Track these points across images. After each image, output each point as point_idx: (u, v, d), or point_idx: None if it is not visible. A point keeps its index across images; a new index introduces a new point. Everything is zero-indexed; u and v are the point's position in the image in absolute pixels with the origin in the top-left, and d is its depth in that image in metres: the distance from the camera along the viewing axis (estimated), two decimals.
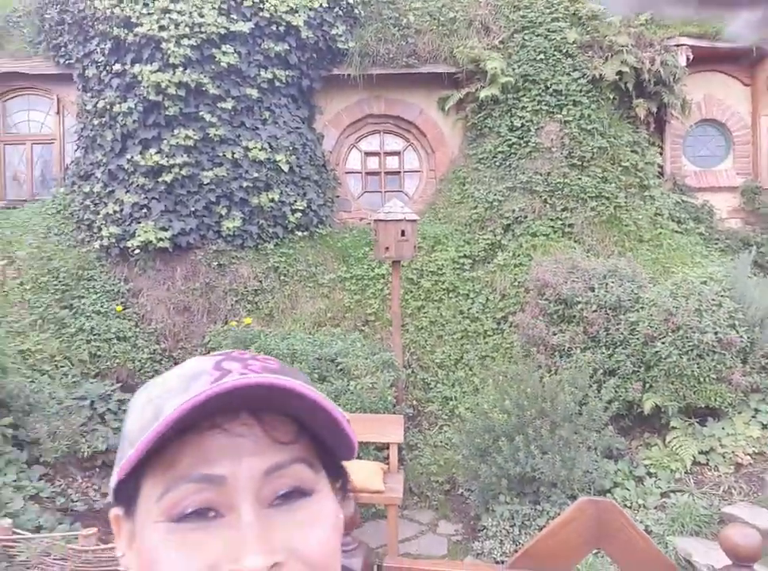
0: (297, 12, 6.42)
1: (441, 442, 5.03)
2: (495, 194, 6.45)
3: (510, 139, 6.59)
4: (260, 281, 5.92)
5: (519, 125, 6.61)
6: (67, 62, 7.13)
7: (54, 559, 2.95)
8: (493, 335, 5.71)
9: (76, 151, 6.88)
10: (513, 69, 6.68)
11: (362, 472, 3.94)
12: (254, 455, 0.48)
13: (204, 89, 6.10)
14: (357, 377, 4.55)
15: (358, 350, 4.87)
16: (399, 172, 7.38)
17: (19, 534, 3.11)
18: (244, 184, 6.13)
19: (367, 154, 7.37)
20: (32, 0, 7.71)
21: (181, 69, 6.03)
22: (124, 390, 4.82)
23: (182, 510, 0.47)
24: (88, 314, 5.44)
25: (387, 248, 5.11)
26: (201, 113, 6.08)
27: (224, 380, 0.47)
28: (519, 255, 6.08)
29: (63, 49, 7.14)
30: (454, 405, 5.22)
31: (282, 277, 6.01)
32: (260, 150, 6.19)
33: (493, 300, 5.92)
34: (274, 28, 6.40)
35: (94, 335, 5.29)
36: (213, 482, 0.47)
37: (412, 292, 5.92)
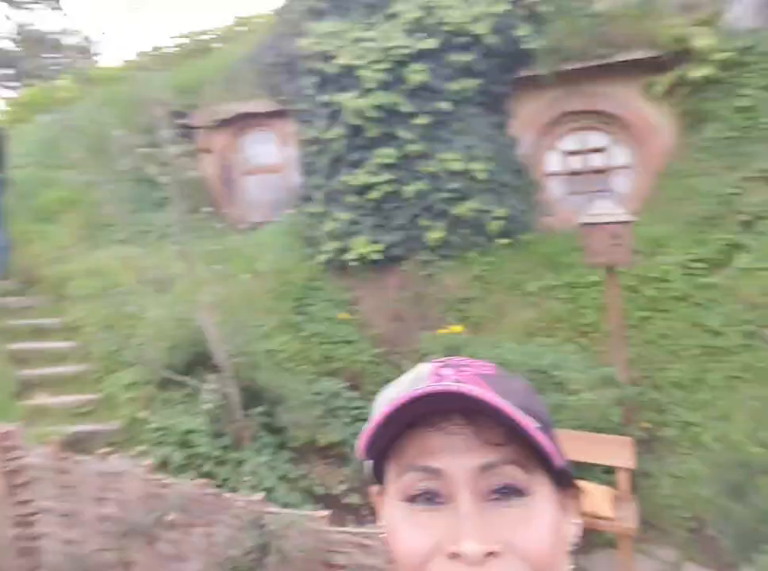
0: (479, 20, 6.46)
1: (683, 473, 4.45)
2: (727, 187, 5.64)
3: (737, 123, 5.87)
4: (466, 290, 6.04)
5: (746, 106, 5.88)
6: (283, 99, 8.00)
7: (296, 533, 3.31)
8: (740, 353, 4.84)
9: (298, 176, 7.69)
10: (729, 44, 5.97)
11: (589, 495, 3.75)
12: (466, 453, 0.55)
13: (398, 108, 6.42)
14: (575, 392, 4.37)
15: (574, 362, 4.67)
16: (605, 170, 7.00)
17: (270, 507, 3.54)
18: (443, 195, 6.31)
19: (568, 153, 7.12)
20: (253, 48, 8.84)
21: (376, 92, 6.41)
22: (352, 389, 5.26)
23: (411, 492, 0.57)
24: (319, 320, 6.05)
25: (598, 253, 4.87)
26: (398, 132, 6.41)
27: (436, 384, 0.56)
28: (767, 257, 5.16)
29: (279, 88, 8.02)
30: (696, 432, 4.57)
31: (486, 286, 6.05)
32: (455, 161, 6.33)
33: (737, 311, 5.01)
34: (458, 39, 6.52)
35: (324, 338, 5.86)
36: (432, 473, 0.56)
37: (632, 301, 5.31)
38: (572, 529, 0.61)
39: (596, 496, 3.69)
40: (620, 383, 4.48)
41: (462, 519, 0.53)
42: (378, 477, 0.63)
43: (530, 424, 0.53)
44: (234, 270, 5.96)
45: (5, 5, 19.19)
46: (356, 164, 6.58)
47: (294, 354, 5.53)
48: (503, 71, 6.76)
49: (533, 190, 6.89)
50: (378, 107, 6.39)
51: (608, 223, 4.83)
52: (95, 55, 18.73)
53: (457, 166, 6.34)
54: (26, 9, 18.78)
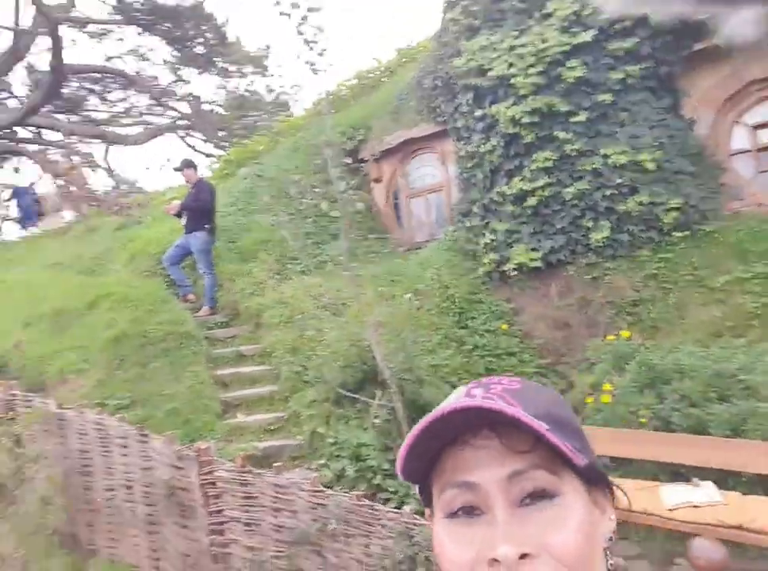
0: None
1: None
2: None
3: None
4: (638, 291, 5.59)
5: None
6: (443, 119, 8.21)
7: None
8: None
9: (457, 192, 7.82)
10: None
11: None
12: (495, 464, 0.59)
13: (555, 109, 6.22)
14: None
15: None
16: None
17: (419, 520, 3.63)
18: (608, 192, 5.95)
19: (756, 127, 6.23)
20: (415, 76, 9.23)
21: (531, 97, 6.29)
22: None
23: (452, 508, 0.61)
24: (480, 332, 6.07)
25: None
26: (555, 133, 6.20)
27: (456, 403, 0.60)
28: None
29: (438, 109, 8.25)
30: None
31: (663, 285, 5.53)
32: (620, 154, 5.93)
33: None
34: (618, 26, 6.12)
35: (486, 350, 5.86)
36: (468, 487, 0.59)
37: None
38: (608, 525, 0.64)
39: None
40: None
41: (497, 526, 0.57)
42: (428, 500, 0.66)
43: (535, 423, 0.56)
44: (399, 290, 6.26)
45: (216, 77, 22.48)
46: (513, 173, 6.52)
47: (457, 367, 5.61)
48: (671, 50, 6.21)
49: (715, 174, 6.15)
50: (534, 111, 6.27)
51: None
52: (290, 107, 20.97)
53: (622, 159, 5.95)
54: (237, 77, 21.79)
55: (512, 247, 6.32)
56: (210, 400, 5.71)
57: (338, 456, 5.08)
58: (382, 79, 11.89)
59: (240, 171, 11.38)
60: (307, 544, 3.39)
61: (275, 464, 3.74)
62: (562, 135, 6.19)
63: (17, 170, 19.10)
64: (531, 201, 6.25)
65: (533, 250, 6.17)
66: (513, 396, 0.61)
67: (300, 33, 5.21)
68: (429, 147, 8.90)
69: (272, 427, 5.63)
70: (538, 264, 6.08)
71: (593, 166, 6.06)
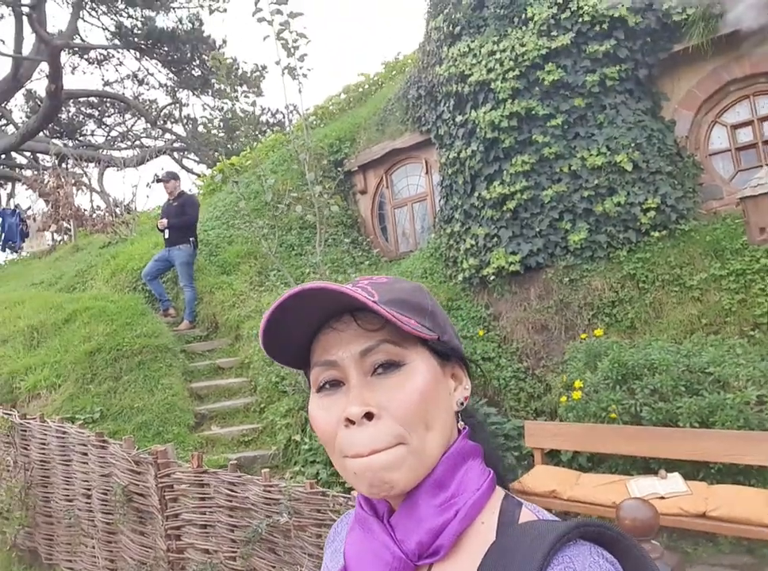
0: (619, 2, 6.02)
1: None
2: None
3: None
4: (616, 292, 5.49)
5: None
6: (426, 128, 8.21)
7: None
8: None
9: (439, 200, 7.78)
10: None
11: (748, 501, 3.17)
12: (351, 342, 0.67)
13: (533, 112, 6.21)
14: (737, 390, 3.72)
15: (738, 357, 3.99)
16: None
17: None
18: (585, 194, 5.89)
19: (735, 126, 6.19)
20: (400, 87, 9.27)
21: (509, 101, 6.29)
22: (490, 405, 5.05)
23: (319, 383, 0.69)
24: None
25: (762, 229, 4.16)
26: (533, 137, 6.18)
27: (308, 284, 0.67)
28: None
29: (422, 119, 8.26)
30: None
31: (640, 285, 5.44)
32: (597, 155, 5.89)
33: None
34: (597, 28, 6.14)
35: None
36: (330, 364, 0.68)
37: None
38: (462, 393, 0.74)
39: (758, 501, 3.08)
40: None
41: (351, 391, 0.65)
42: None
43: (374, 305, 0.62)
44: None
45: (211, 98, 22.70)
46: (492, 178, 6.48)
47: None
48: (649, 52, 6.20)
49: (693, 174, 6.09)
50: (512, 115, 6.26)
51: None
52: (284, 126, 21.13)
53: (599, 160, 5.91)
54: (231, 99, 22.02)
55: (492, 251, 6.25)
56: (183, 413, 5.59)
57: (313, 461, 4.97)
58: (370, 93, 11.96)
59: (227, 186, 11.42)
60: (259, 542, 3.28)
61: (264, 469, 3.62)
62: (540, 138, 6.16)
63: (10, 196, 19.20)
64: (510, 204, 6.19)
65: (512, 254, 6.09)
66: (374, 288, 0.70)
67: (281, 39, 5.20)
68: (414, 156, 8.90)
69: (246, 439, 5.51)
70: (517, 268, 5.99)
71: (571, 168, 6.03)
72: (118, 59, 22.45)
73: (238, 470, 3.52)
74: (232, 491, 3.39)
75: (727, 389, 3.73)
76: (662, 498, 3.24)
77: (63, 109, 21.21)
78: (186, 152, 22.84)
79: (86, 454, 4.05)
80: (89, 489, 4.01)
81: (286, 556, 3.20)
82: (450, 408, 0.70)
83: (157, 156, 21.57)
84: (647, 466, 3.54)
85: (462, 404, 0.73)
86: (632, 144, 5.95)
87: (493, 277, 6.17)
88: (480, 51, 6.74)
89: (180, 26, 20.06)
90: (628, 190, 5.85)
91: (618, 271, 5.57)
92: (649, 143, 6.04)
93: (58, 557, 4.19)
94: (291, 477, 4.83)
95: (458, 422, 0.72)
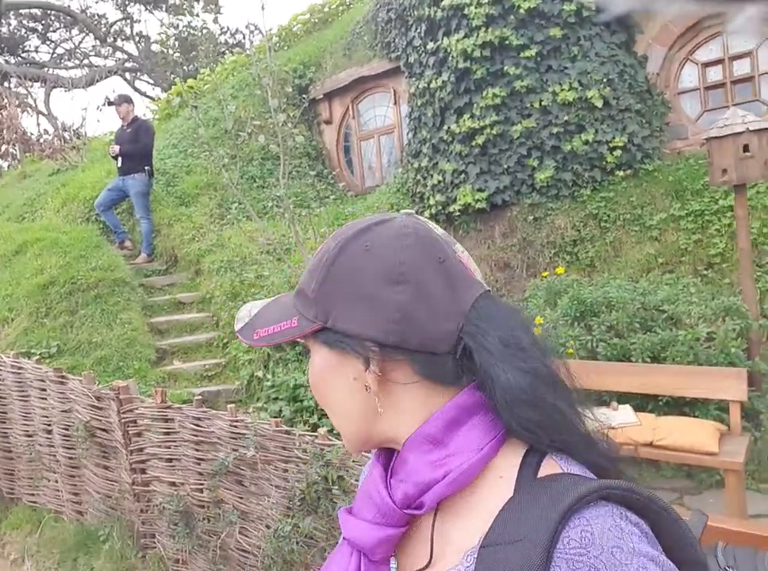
0: None
1: None
2: None
3: None
4: (578, 231, 5.55)
5: None
6: (396, 55, 7.87)
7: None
8: None
9: (408, 133, 7.59)
10: None
11: (692, 431, 3.36)
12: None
13: (507, 42, 6.01)
14: (689, 327, 3.86)
15: (691, 296, 4.12)
16: (752, 77, 5.93)
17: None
18: (555, 130, 5.82)
19: (706, 65, 6.13)
20: (369, 10, 8.79)
21: (483, 29, 6.05)
22: None
23: None
24: None
25: (724, 170, 4.19)
26: (506, 68, 6.01)
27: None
28: None
29: (392, 44, 7.90)
30: None
31: (602, 224, 5.50)
32: (569, 90, 5.78)
33: None
34: None
35: None
36: None
37: None
38: (366, 376, 0.67)
39: (700, 432, 3.30)
40: (746, 314, 3.86)
41: None
42: None
43: (244, 342, 0.74)
44: None
45: (165, 14, 21.26)
46: (462, 111, 6.31)
47: None
48: None
49: (661, 113, 6.07)
50: (485, 44, 6.03)
51: (737, 133, 4.15)
52: (243, 46, 20.04)
53: (570, 96, 5.80)
54: (186, 16, 20.64)
55: (459, 188, 6.18)
56: (144, 348, 5.52)
57: (276, 398, 5.00)
58: (337, 14, 11.35)
59: (185, 112, 10.87)
60: (226, 474, 3.33)
61: (229, 404, 3.61)
62: (512, 70, 5.99)
63: None
64: (479, 139, 6.08)
65: (479, 190, 6.04)
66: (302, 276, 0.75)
67: None
68: (382, 85, 8.58)
69: (210, 373, 5.50)
70: (483, 205, 5.96)
71: (542, 103, 5.91)
72: None
73: (203, 405, 3.52)
74: (198, 425, 3.40)
75: (680, 326, 3.88)
76: (613, 428, 3.40)
77: (3, 21, 19.60)
78: (138, 73, 21.56)
79: (44, 390, 3.99)
80: (49, 425, 3.97)
81: (253, 487, 3.26)
82: (358, 391, 0.67)
83: (107, 77, 20.30)
84: (600, 399, 3.70)
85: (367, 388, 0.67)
86: (604, 80, 5.86)
87: (458, 214, 6.14)
88: None
89: None
90: (597, 128, 5.80)
91: (581, 210, 5.61)
92: (621, 78, 5.95)
93: (20, 491, 4.19)
94: (254, 412, 4.88)
95: (377, 402, 0.66)
